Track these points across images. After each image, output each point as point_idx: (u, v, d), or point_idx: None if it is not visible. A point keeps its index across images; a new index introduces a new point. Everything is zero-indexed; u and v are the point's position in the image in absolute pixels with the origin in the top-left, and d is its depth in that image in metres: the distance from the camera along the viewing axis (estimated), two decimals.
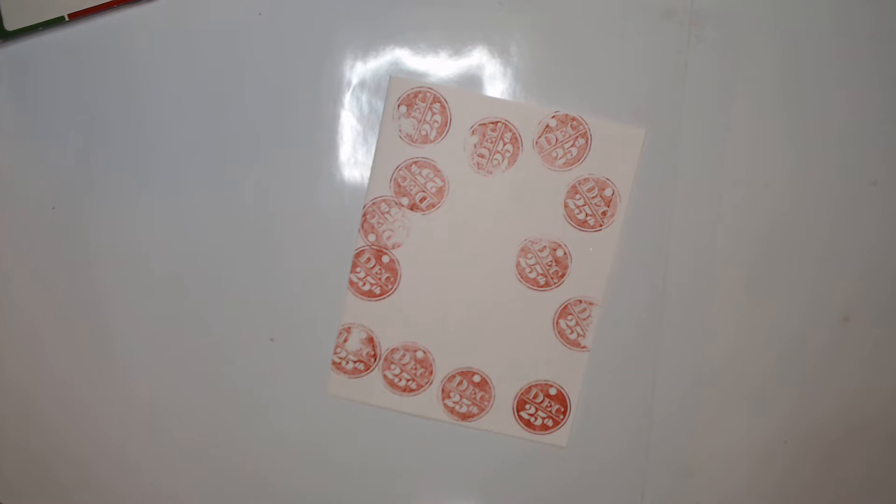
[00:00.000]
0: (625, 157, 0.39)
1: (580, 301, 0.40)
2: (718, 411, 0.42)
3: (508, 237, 0.40)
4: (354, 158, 0.40)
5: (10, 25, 0.38)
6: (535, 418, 0.41)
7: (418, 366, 0.41)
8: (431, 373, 0.41)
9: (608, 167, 0.39)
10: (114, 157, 0.40)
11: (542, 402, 0.41)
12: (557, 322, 0.40)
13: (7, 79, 0.40)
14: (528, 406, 0.41)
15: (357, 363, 0.41)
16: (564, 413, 0.41)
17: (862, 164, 0.40)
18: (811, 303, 0.41)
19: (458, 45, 0.39)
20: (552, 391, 0.41)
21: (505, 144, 0.39)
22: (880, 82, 0.39)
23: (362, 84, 0.40)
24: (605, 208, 0.40)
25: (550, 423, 0.41)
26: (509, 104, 0.39)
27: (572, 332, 0.41)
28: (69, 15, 0.38)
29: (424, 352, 0.41)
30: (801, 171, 0.40)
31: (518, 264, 0.40)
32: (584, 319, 0.40)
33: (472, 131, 0.39)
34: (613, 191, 0.40)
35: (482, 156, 0.39)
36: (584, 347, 0.41)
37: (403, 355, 0.41)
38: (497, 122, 0.39)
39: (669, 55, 0.39)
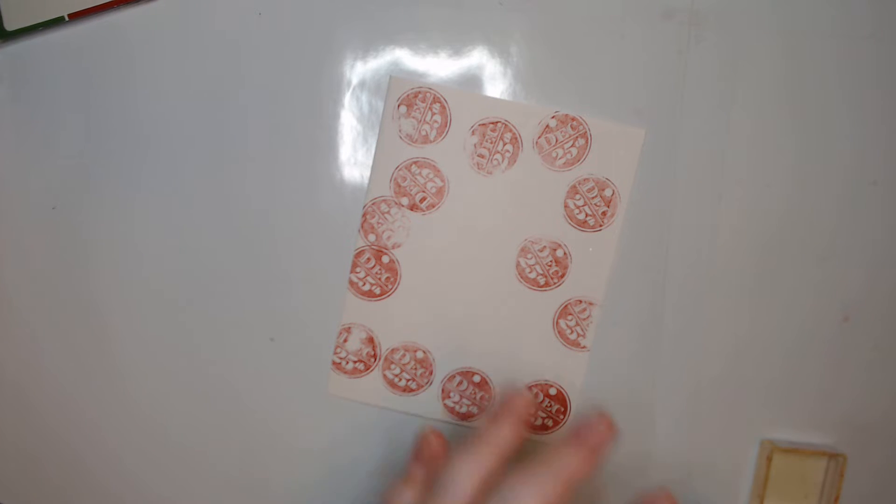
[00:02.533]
0: (625, 157, 0.39)
1: (580, 301, 0.40)
2: (718, 411, 0.42)
3: (508, 237, 0.40)
4: (354, 158, 0.40)
5: (10, 25, 0.38)
6: (536, 418, 0.41)
7: (418, 366, 0.41)
8: (431, 373, 0.41)
9: (608, 167, 0.39)
10: (114, 157, 0.40)
11: (542, 402, 0.41)
12: (557, 322, 0.40)
13: (7, 79, 0.40)
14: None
15: (357, 363, 0.41)
16: (564, 413, 0.41)
17: (862, 164, 0.40)
18: (811, 303, 0.41)
19: (458, 45, 0.39)
20: (552, 391, 0.41)
21: (505, 144, 0.39)
22: (880, 82, 0.39)
23: (362, 84, 0.40)
24: (605, 208, 0.40)
25: (550, 423, 0.41)
26: (509, 104, 0.39)
27: (572, 332, 0.41)
28: (69, 15, 0.38)
29: (424, 352, 0.41)
30: (801, 171, 0.40)
31: (518, 264, 0.40)
32: (584, 319, 0.40)
33: (472, 131, 0.39)
34: (613, 191, 0.40)
35: (482, 156, 0.39)
36: (583, 347, 0.41)
37: (403, 355, 0.41)
38: (497, 123, 0.39)
39: (669, 55, 0.39)
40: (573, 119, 0.39)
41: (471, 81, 0.40)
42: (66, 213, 0.41)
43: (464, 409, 0.41)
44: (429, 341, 0.41)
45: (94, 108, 0.40)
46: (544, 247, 0.40)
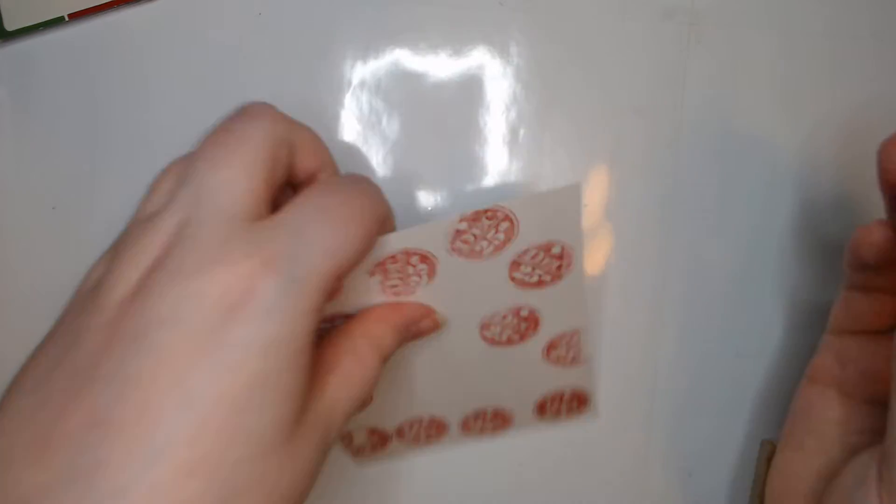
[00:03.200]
0: (566, 215, 0.33)
1: (563, 334, 0.37)
2: (718, 411, 0.42)
3: (463, 328, 0.36)
4: (353, 161, 0.40)
5: (10, 25, 0.38)
6: (560, 412, 0.41)
7: (431, 424, 0.40)
8: (446, 424, 0.40)
9: (548, 231, 0.33)
10: (114, 157, 0.40)
11: (560, 403, 0.40)
12: (549, 354, 0.38)
13: (7, 79, 0.40)
14: (548, 406, 0.40)
15: (374, 446, 0.40)
16: (587, 400, 0.41)
17: (862, 164, 0.40)
18: (812, 302, 0.41)
19: (458, 45, 0.39)
20: (566, 393, 0.40)
21: (415, 267, 0.33)
22: (881, 82, 0.39)
23: (362, 84, 0.40)
24: (559, 262, 0.34)
25: (576, 404, 0.41)
26: (400, 235, 0.32)
27: (566, 357, 0.38)
28: (69, 15, 0.38)
29: (431, 416, 0.40)
30: (800, 170, 0.40)
31: (485, 338, 0.36)
32: (575, 345, 0.38)
33: (371, 273, 0.32)
34: (562, 246, 0.34)
35: (395, 286, 0.33)
36: (583, 362, 0.39)
37: (412, 426, 0.40)
38: (395, 255, 0.32)
39: (669, 55, 0.39)
40: (486, 212, 0.32)
41: (471, 81, 0.40)
42: (66, 213, 0.41)
43: (489, 433, 0.41)
44: (432, 409, 0.40)
45: (93, 107, 0.40)
46: (505, 315, 0.36)
